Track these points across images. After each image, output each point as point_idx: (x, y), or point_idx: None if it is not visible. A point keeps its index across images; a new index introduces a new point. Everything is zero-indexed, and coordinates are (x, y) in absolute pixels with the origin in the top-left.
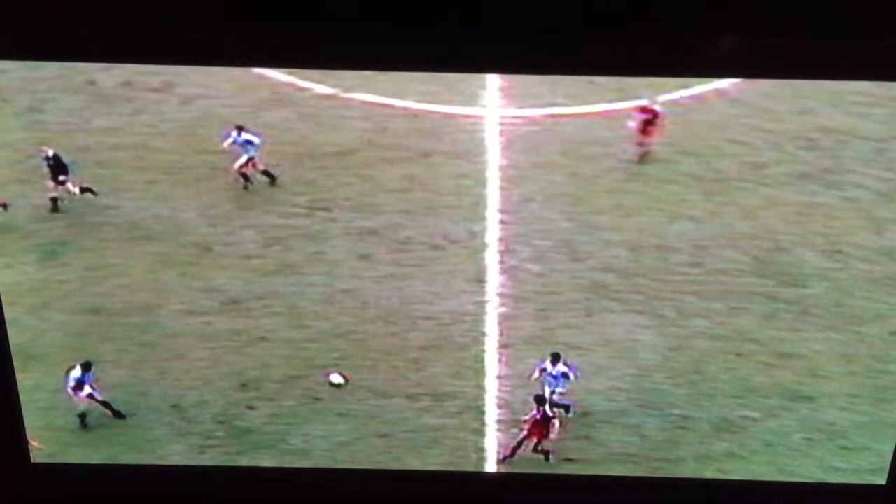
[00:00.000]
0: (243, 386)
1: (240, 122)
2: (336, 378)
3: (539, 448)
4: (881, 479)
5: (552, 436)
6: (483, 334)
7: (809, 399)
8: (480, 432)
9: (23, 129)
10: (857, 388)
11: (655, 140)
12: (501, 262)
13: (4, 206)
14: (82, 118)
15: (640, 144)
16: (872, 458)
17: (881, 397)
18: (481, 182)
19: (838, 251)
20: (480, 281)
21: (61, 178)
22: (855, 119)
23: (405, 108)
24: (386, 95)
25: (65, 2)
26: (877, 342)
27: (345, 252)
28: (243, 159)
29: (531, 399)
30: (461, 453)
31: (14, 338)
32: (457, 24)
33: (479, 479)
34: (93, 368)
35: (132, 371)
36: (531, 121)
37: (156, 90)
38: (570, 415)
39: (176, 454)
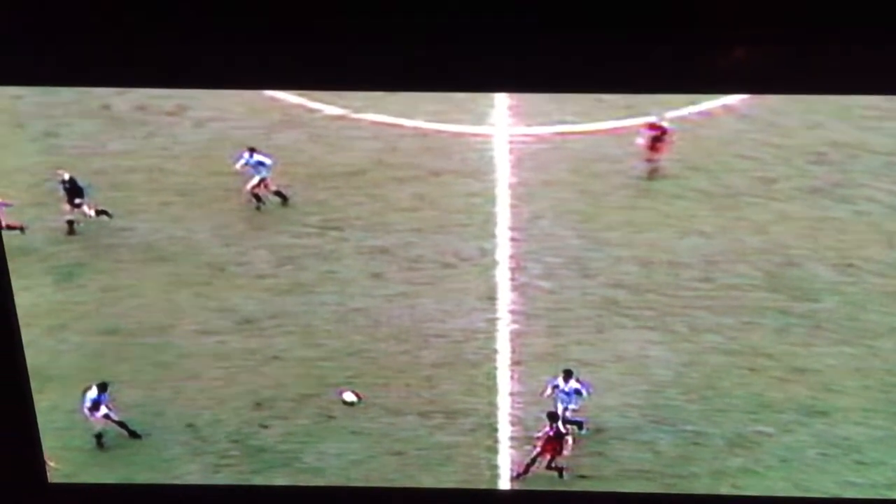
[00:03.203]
0: (257, 405)
1: (252, 144)
2: (349, 396)
3: (553, 465)
4: None
5: (565, 452)
6: (495, 351)
7: (824, 414)
8: (494, 449)
9: (39, 154)
10: (871, 402)
11: (664, 156)
12: (512, 280)
13: (22, 229)
14: (97, 142)
15: (649, 161)
16: (889, 472)
17: None
18: (491, 200)
19: (850, 265)
20: (492, 298)
21: (77, 201)
22: (864, 133)
23: (415, 128)
24: (395, 115)
25: (79, 28)
26: (891, 356)
27: (356, 271)
28: (255, 180)
29: (544, 416)
30: (475, 471)
31: (31, 359)
32: (465, 43)
33: (492, 496)
34: (109, 389)
35: (147, 391)
36: (540, 138)
37: (169, 113)
38: (584, 431)
39: (191, 473)
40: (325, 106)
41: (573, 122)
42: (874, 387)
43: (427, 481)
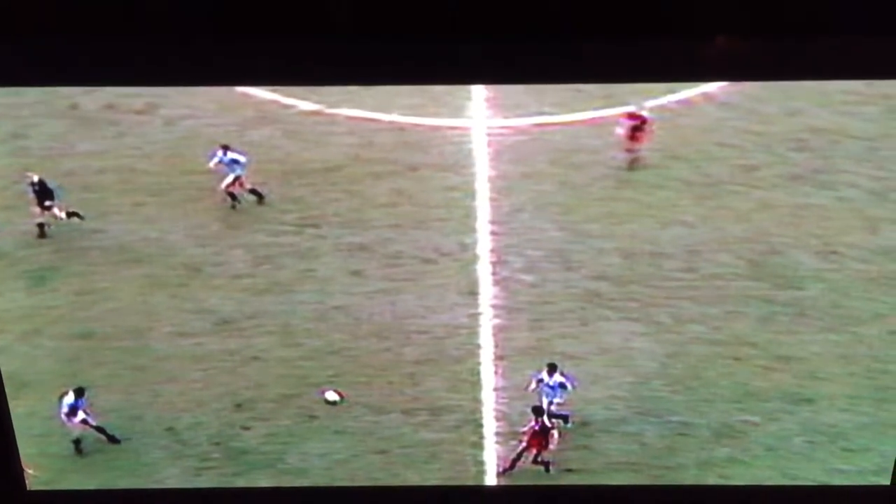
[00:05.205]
0: (238, 406)
1: (225, 142)
2: (331, 395)
3: (539, 459)
4: (885, 480)
5: (551, 446)
6: (478, 347)
7: (809, 401)
8: (479, 445)
9: (7, 156)
10: (857, 388)
11: (644, 146)
12: (494, 274)
13: None
14: (66, 142)
15: (630, 151)
16: (876, 458)
17: (882, 398)
18: (470, 194)
19: (833, 252)
20: (473, 293)
21: (47, 203)
22: (845, 118)
23: (391, 122)
24: (371, 110)
25: (44, 26)
26: (876, 342)
27: (335, 268)
28: (230, 178)
29: (529, 410)
30: (460, 467)
31: (5, 365)
32: (440, 35)
33: (479, 492)
34: (86, 394)
35: (125, 395)
36: (518, 130)
37: (139, 112)
38: (569, 425)
39: (172, 477)
40: (300, 101)
41: (552, 114)
42: (859, 373)
43: (413, 479)
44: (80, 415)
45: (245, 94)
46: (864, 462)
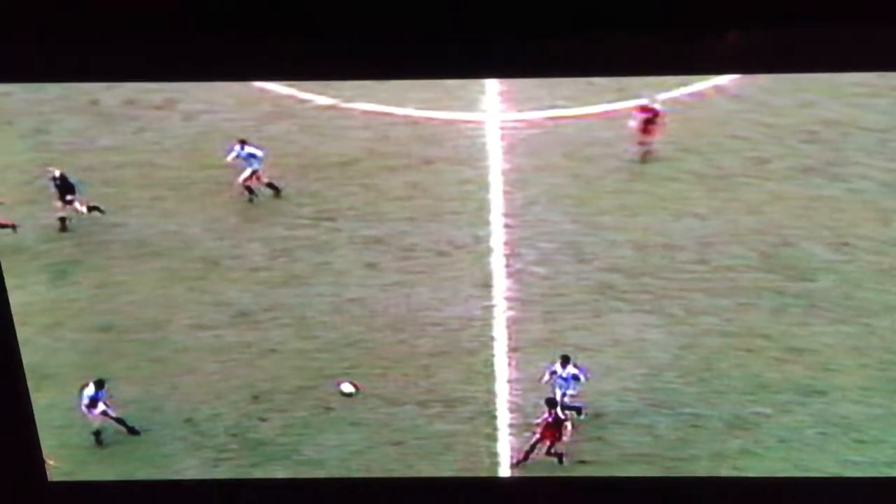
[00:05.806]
0: (255, 398)
1: (242, 136)
2: (347, 387)
3: (552, 451)
4: None
5: (565, 438)
6: (492, 339)
7: (822, 393)
8: (493, 437)
9: (29, 151)
10: (869, 380)
11: (657, 139)
12: (507, 266)
13: (13, 227)
14: (87, 138)
15: (642, 143)
16: (888, 450)
17: (894, 389)
18: (484, 187)
19: (845, 243)
20: (487, 285)
21: (68, 197)
22: (856, 110)
23: (406, 116)
24: (386, 104)
25: (64, 23)
26: (888, 334)
27: (351, 261)
28: (247, 173)
29: (542, 402)
30: (474, 459)
31: (27, 357)
32: (454, 30)
33: (493, 483)
34: (106, 385)
35: (145, 387)
36: (532, 124)
37: (158, 107)
38: (582, 417)
39: (191, 468)
40: (316, 96)
41: (564, 107)
42: (872, 365)
43: (427, 470)
44: (101, 406)
45: (262, 90)
46: (877, 454)
